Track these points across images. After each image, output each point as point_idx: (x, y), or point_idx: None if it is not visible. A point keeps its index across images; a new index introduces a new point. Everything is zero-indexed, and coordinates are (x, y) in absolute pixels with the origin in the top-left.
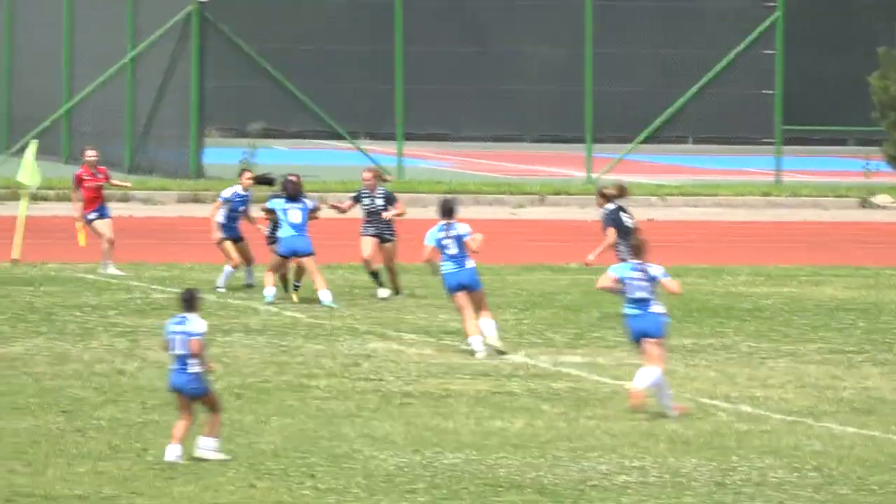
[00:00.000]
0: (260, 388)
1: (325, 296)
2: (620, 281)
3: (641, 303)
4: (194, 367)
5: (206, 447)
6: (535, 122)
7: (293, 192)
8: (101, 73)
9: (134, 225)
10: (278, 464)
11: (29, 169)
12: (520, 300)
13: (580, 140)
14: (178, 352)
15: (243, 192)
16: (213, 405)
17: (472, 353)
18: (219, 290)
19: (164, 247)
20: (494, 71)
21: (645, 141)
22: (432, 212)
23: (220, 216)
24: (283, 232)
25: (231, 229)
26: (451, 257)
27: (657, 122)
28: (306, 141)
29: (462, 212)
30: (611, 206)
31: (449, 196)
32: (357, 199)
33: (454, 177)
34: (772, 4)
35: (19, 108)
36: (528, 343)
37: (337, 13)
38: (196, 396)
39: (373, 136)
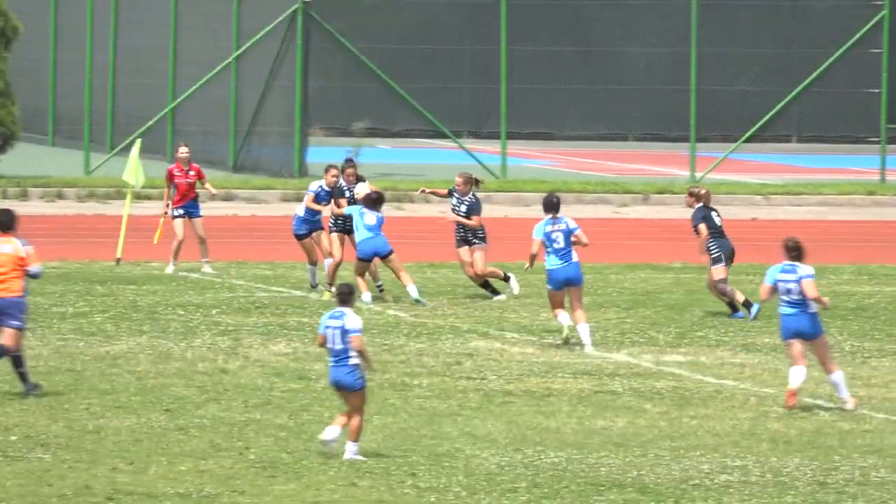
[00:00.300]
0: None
1: (412, 290)
2: (774, 286)
3: (797, 304)
4: (353, 360)
5: (352, 451)
6: (639, 121)
7: (371, 206)
8: (205, 72)
9: (237, 223)
10: (379, 462)
11: (133, 168)
12: (623, 299)
13: (684, 139)
14: (337, 346)
15: (328, 188)
16: (360, 404)
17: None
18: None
19: (266, 246)
20: (598, 70)
21: (749, 140)
22: (535, 211)
23: (301, 209)
24: (360, 235)
25: (313, 223)
26: (557, 251)
27: (761, 121)
28: (410, 140)
29: (564, 211)
30: (699, 205)
31: (554, 191)
32: (450, 194)
33: (557, 176)
34: (878, 3)
35: (124, 107)
36: (631, 342)
37: (441, 12)
38: (352, 390)
39: (476, 136)
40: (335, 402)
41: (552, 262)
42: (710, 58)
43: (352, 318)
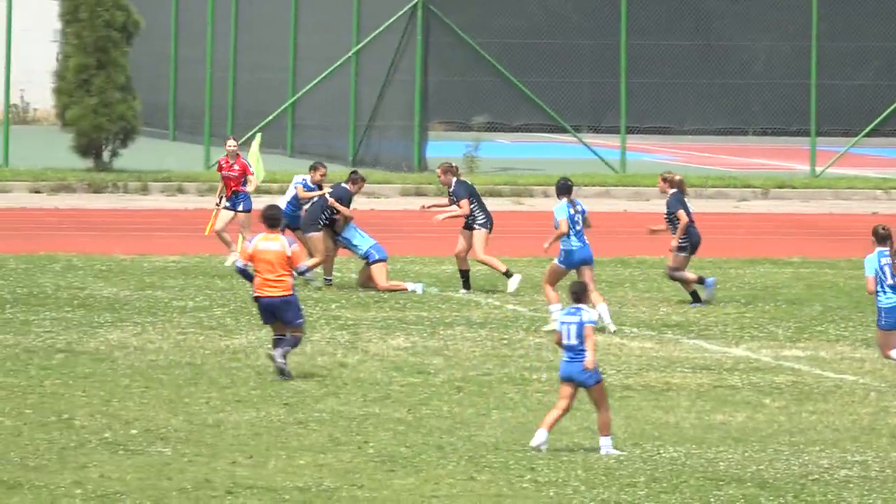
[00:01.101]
0: (481, 381)
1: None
2: (876, 274)
3: None
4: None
5: (607, 445)
6: (758, 115)
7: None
8: (325, 67)
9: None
10: (498, 457)
11: (254, 163)
12: (742, 294)
13: (804, 133)
14: (572, 342)
15: (312, 184)
16: (601, 397)
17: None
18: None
19: (384, 241)
20: (718, 64)
21: (869, 134)
22: (654, 205)
23: (282, 202)
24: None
25: (292, 218)
26: (578, 233)
27: (882, 116)
28: (529, 134)
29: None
30: (673, 191)
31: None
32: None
33: (676, 170)
34: None
35: (244, 102)
36: (750, 337)
37: (561, 6)
38: (589, 385)
39: (596, 130)
40: (454, 396)
41: (572, 243)
42: (831, 52)
43: (588, 313)
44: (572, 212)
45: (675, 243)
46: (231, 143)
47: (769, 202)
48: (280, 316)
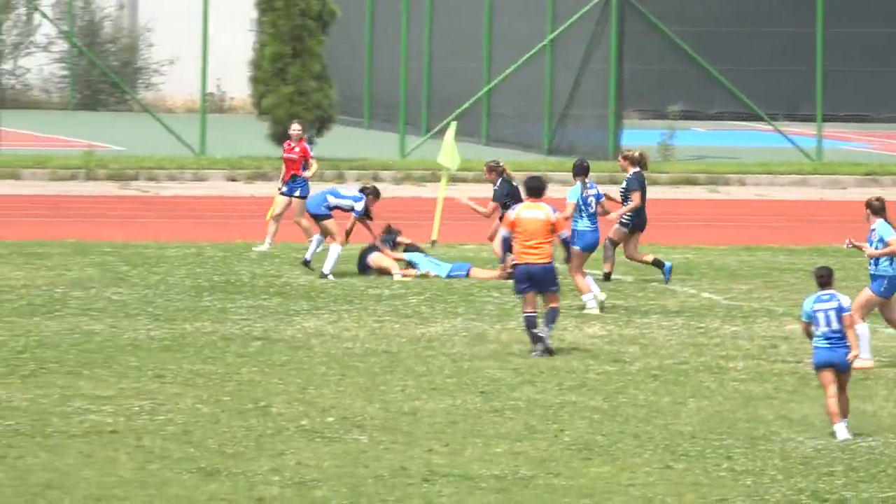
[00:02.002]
0: (677, 369)
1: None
2: None
3: None
4: (847, 342)
5: (843, 429)
6: None
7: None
8: (520, 55)
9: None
10: (695, 445)
11: (449, 151)
12: None
13: None
14: (833, 327)
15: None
16: (846, 382)
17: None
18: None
19: None
20: None
21: None
22: (852, 193)
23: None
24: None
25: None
26: (591, 215)
27: None
28: (725, 123)
29: (882, 192)
30: (635, 170)
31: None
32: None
33: (874, 158)
34: None
35: (439, 90)
36: None
37: None
38: (845, 370)
39: (792, 118)
40: (650, 385)
41: (584, 224)
42: None
43: (843, 298)
44: (586, 193)
45: (617, 216)
46: (296, 126)
47: None
48: (537, 283)
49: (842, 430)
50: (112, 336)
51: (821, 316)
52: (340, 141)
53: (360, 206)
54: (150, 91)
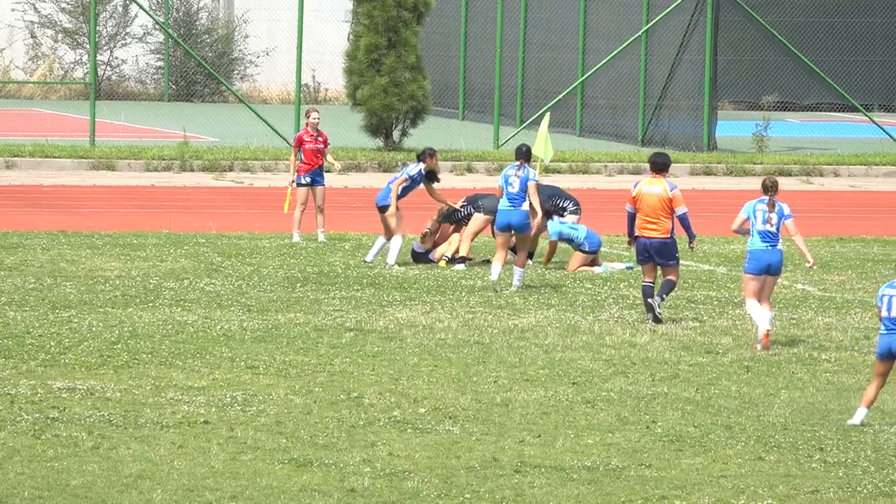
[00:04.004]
0: (770, 361)
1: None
2: None
3: None
4: None
5: (863, 415)
6: None
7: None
8: (614, 46)
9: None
10: (787, 437)
11: (542, 142)
12: None
13: None
14: (892, 315)
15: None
16: None
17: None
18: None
19: None
20: None
21: None
22: None
23: (402, 190)
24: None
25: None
26: (510, 196)
27: None
28: (820, 114)
29: None
30: None
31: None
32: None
33: None
34: None
35: (532, 81)
36: None
37: None
38: None
39: (887, 109)
40: (742, 376)
41: (502, 203)
42: None
43: None
44: (511, 173)
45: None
46: (315, 115)
47: None
48: (654, 256)
49: (861, 416)
50: (205, 327)
51: (885, 300)
52: (434, 132)
53: (413, 171)
54: (245, 82)
